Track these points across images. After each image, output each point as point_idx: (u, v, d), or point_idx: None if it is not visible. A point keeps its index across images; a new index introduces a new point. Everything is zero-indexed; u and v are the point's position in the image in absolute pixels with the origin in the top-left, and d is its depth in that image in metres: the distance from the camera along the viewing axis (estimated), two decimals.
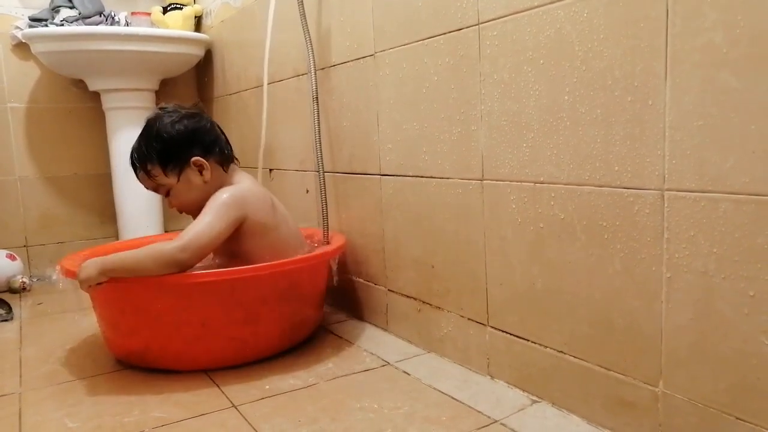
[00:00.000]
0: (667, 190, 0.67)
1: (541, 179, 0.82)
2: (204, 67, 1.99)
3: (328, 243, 1.24)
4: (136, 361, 1.07)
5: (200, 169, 1.11)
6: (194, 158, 1.10)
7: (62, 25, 1.81)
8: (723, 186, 0.62)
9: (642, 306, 0.71)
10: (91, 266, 0.97)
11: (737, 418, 0.63)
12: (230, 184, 1.12)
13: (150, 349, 1.04)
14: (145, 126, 1.14)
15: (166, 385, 0.99)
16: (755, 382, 0.61)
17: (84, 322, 1.33)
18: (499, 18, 0.86)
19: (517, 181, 0.86)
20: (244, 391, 0.96)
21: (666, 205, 0.67)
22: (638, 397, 0.73)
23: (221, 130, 1.18)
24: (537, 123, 0.82)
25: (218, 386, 0.98)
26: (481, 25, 0.89)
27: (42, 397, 0.98)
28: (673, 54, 0.65)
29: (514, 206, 0.87)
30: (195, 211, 1.09)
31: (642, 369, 0.73)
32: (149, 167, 1.11)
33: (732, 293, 0.62)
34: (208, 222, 1.02)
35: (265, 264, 1.04)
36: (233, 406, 0.91)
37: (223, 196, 1.06)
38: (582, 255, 0.78)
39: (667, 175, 0.67)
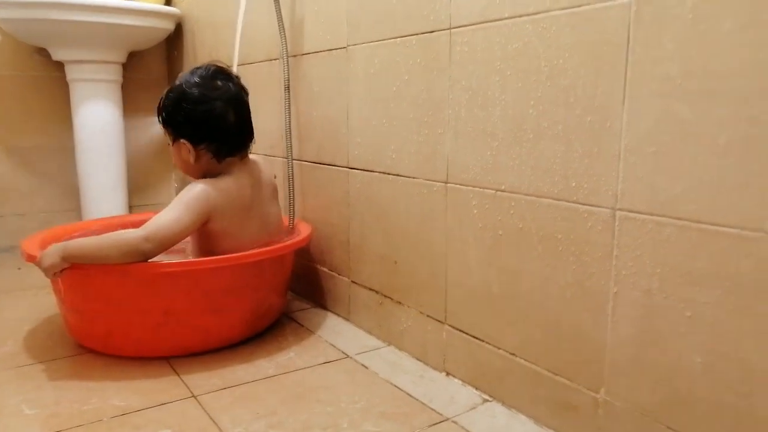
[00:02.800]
0: (619, 209, 0.70)
1: (503, 187, 0.85)
2: (174, 41, 1.95)
3: (292, 230, 1.25)
4: (97, 346, 1.07)
5: (188, 149, 1.10)
6: (182, 139, 1.09)
7: None
8: (670, 211, 0.65)
9: (590, 317, 0.75)
10: (53, 253, 0.97)
11: (668, 427, 0.68)
12: (217, 175, 1.10)
13: (111, 335, 1.05)
14: (180, 76, 1.12)
15: (127, 372, 1.00)
16: (686, 396, 0.65)
17: (45, 300, 1.32)
18: (470, 25, 0.87)
19: (480, 187, 0.88)
20: (204, 380, 0.97)
21: (617, 224, 0.70)
22: (581, 402, 0.77)
23: (243, 116, 1.12)
24: (501, 132, 0.84)
25: (179, 375, 0.99)
26: (452, 30, 0.90)
27: (0, 381, 0.98)
28: (632, 80, 0.67)
29: (475, 211, 0.90)
30: (186, 175, 1.14)
31: (586, 376, 0.76)
32: (158, 115, 1.12)
33: (671, 312, 0.66)
34: (175, 215, 1.01)
35: (229, 255, 1.04)
36: (193, 395, 0.92)
37: (195, 189, 1.04)
38: (537, 264, 0.81)
39: (619, 196, 0.70)
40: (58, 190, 1.94)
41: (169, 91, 1.12)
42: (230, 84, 1.11)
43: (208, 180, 1.08)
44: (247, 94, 1.15)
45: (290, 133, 1.25)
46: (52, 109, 1.89)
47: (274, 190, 1.23)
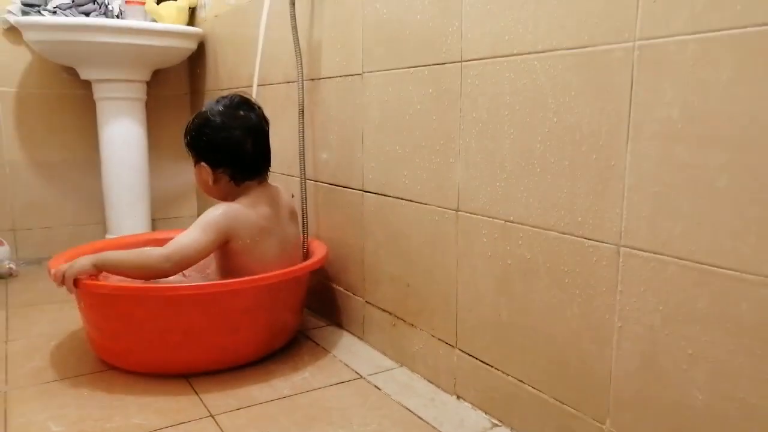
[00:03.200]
0: (623, 246, 0.72)
1: (511, 218, 0.87)
2: (197, 59, 2.00)
3: (306, 251, 1.29)
4: (119, 363, 1.11)
5: (207, 171, 1.16)
6: (202, 162, 1.17)
7: (55, 12, 1.81)
8: (671, 250, 0.66)
9: (595, 349, 0.77)
10: (86, 260, 1.04)
11: None
12: (235, 198, 1.16)
13: (132, 354, 1.09)
14: (206, 103, 1.19)
15: (148, 390, 1.03)
16: (688, 431, 0.67)
17: (70, 314, 1.36)
18: (480, 59, 0.89)
19: (489, 217, 0.91)
20: (221, 399, 1.01)
21: (621, 260, 0.72)
22: (587, 431, 0.79)
23: (260, 145, 1.17)
24: (510, 164, 0.86)
25: (197, 393, 1.03)
26: (463, 63, 0.92)
27: (27, 396, 1.02)
28: (635, 121, 0.68)
29: (485, 240, 0.92)
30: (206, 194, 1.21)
31: (592, 407, 0.78)
32: (184, 137, 1.19)
33: (673, 349, 0.67)
34: (195, 237, 1.06)
35: (247, 278, 1.08)
36: (211, 415, 0.96)
37: (215, 213, 1.10)
38: (544, 295, 0.83)
39: (623, 233, 0.71)
40: (83, 204, 2.00)
41: (194, 117, 1.19)
42: (252, 114, 1.17)
43: (228, 204, 1.13)
44: (267, 123, 1.21)
45: (304, 156, 1.29)
46: (79, 125, 1.95)
47: (293, 212, 1.27)
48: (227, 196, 1.17)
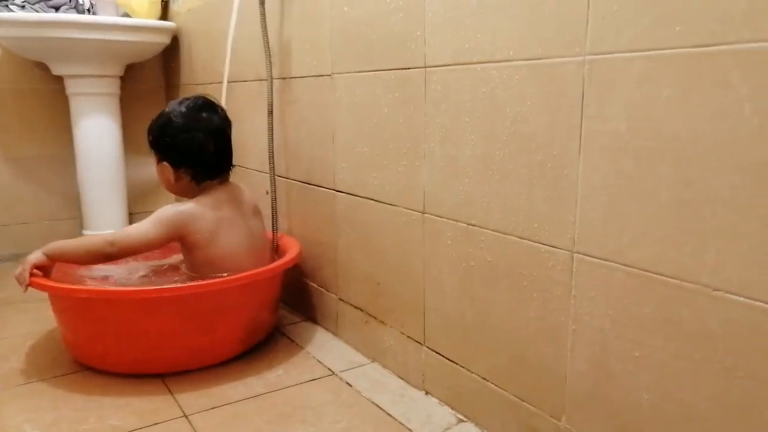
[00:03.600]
0: (576, 252, 0.74)
1: (473, 222, 0.89)
2: (171, 52, 1.99)
3: (277, 247, 1.31)
4: (94, 364, 1.13)
5: (169, 171, 1.19)
6: (164, 161, 1.20)
7: (23, 6, 1.79)
8: (619, 258, 0.69)
9: (551, 350, 0.80)
10: (37, 252, 1.11)
11: None
12: (195, 195, 1.19)
13: (108, 355, 1.11)
14: (170, 104, 1.21)
15: (123, 391, 1.05)
16: (636, 429, 0.70)
17: (46, 313, 1.36)
18: (443, 66, 0.91)
19: (453, 220, 0.93)
20: (196, 399, 1.03)
21: (574, 266, 0.75)
22: (545, 427, 0.82)
23: (222, 147, 1.20)
24: (472, 170, 0.88)
25: (172, 394, 1.05)
26: (427, 69, 0.94)
27: (3, 399, 1.04)
28: (587, 133, 0.71)
29: (449, 242, 0.94)
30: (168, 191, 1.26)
31: (549, 404, 0.81)
32: (147, 136, 1.22)
33: (621, 351, 0.71)
34: (144, 229, 1.12)
35: (219, 279, 1.10)
36: (184, 415, 0.98)
37: (169, 211, 1.14)
38: (504, 297, 0.86)
39: (576, 239, 0.74)
40: (60, 199, 1.99)
41: (157, 117, 1.21)
42: (214, 117, 1.20)
43: (184, 203, 1.17)
44: (230, 125, 1.24)
45: (273, 156, 1.31)
46: (53, 120, 1.94)
47: (256, 209, 1.29)
48: (187, 194, 1.22)
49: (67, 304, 1.12)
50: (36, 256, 1.10)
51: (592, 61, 0.69)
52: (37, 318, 1.38)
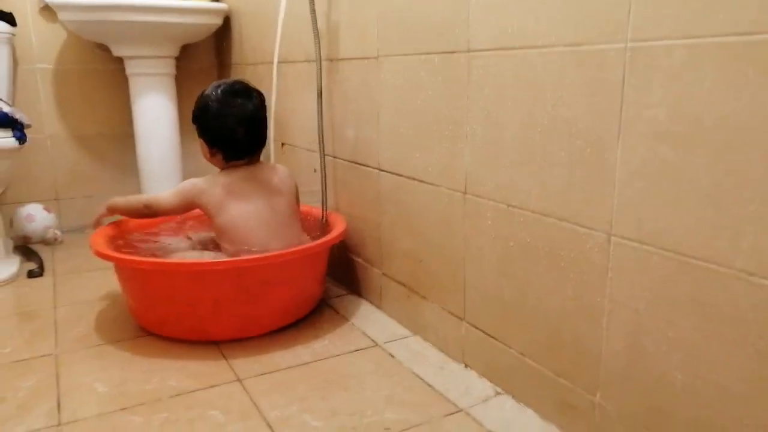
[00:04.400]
0: (613, 235, 0.76)
1: (514, 203, 0.92)
2: (223, 33, 2.05)
3: (326, 223, 1.37)
4: (155, 330, 1.22)
5: (206, 147, 1.31)
6: (201, 138, 1.31)
7: None
8: (655, 241, 0.71)
9: (587, 329, 0.82)
10: (102, 204, 1.35)
11: None
12: (219, 171, 1.31)
13: (167, 322, 1.19)
14: (211, 85, 1.31)
15: (182, 355, 1.14)
16: (669, 407, 0.73)
17: (111, 281, 1.47)
18: (486, 50, 0.92)
19: (494, 201, 0.96)
20: (248, 365, 1.10)
21: (611, 248, 0.77)
22: (580, 402, 0.85)
23: (252, 133, 1.28)
24: (513, 152, 0.90)
25: (226, 359, 1.12)
26: (470, 53, 0.96)
27: (75, 359, 1.13)
28: (626, 119, 0.72)
29: (490, 222, 0.97)
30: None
31: (584, 380, 0.84)
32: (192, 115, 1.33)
33: (656, 332, 0.73)
34: (167, 196, 1.29)
35: (269, 254, 1.16)
36: (238, 379, 1.05)
37: (186, 184, 1.29)
38: (542, 276, 0.88)
39: (614, 222, 0.76)
40: (120, 174, 2.10)
41: (199, 98, 1.31)
42: (249, 103, 1.27)
43: (203, 177, 1.30)
44: (264, 109, 1.31)
45: (323, 137, 1.36)
46: (114, 100, 2.04)
47: (282, 187, 1.31)
48: (220, 167, 1.32)
49: (130, 275, 1.20)
50: (101, 208, 1.34)
51: (634, 49, 0.70)
52: (102, 286, 1.49)
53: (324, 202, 1.39)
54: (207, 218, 1.31)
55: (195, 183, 1.28)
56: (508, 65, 0.88)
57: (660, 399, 0.74)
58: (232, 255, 1.23)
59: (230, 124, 1.25)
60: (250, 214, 1.25)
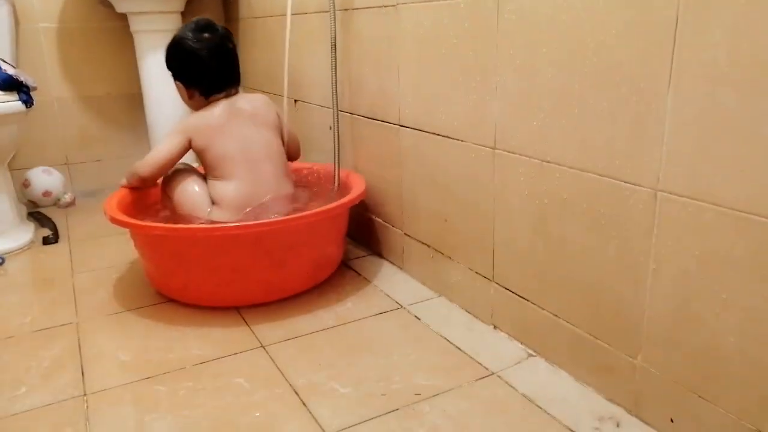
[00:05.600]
0: (660, 191, 0.71)
1: (548, 159, 0.86)
2: None
3: (338, 186, 1.33)
4: (175, 296, 1.19)
5: (183, 88, 1.30)
6: (177, 81, 1.31)
7: None
8: (710, 197, 0.66)
9: (629, 290, 0.78)
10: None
11: (700, 397, 0.72)
12: (202, 109, 1.28)
13: (187, 289, 1.16)
14: (179, 28, 1.33)
15: (203, 322, 1.11)
16: (719, 371, 0.69)
17: (127, 246, 1.44)
18: None
19: (527, 156, 0.90)
20: (271, 330, 1.08)
21: (658, 205, 0.72)
22: (619, 365, 0.82)
23: (224, 63, 1.28)
24: (548, 104, 0.84)
25: (248, 325, 1.10)
26: None
27: (96, 327, 1.11)
28: (679, 64, 0.66)
29: (522, 179, 0.92)
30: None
31: (624, 342, 0.81)
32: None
33: (707, 293, 0.68)
34: (160, 148, 1.27)
35: (288, 217, 1.12)
36: (262, 346, 1.03)
37: (179, 123, 1.29)
38: (580, 235, 0.84)
39: (661, 177, 0.71)
40: (130, 136, 2.06)
41: (169, 43, 1.30)
42: (215, 35, 1.28)
43: (191, 114, 1.30)
44: (231, 41, 1.31)
45: (336, 91, 1.30)
46: (120, 59, 1.97)
47: (267, 119, 1.31)
48: (200, 108, 1.30)
49: (146, 240, 1.17)
50: (124, 178, 1.33)
51: None
52: (118, 251, 1.46)
53: (337, 160, 1.34)
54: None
55: (185, 119, 1.30)
56: (543, 8, 0.81)
57: (710, 362, 0.70)
58: (221, 195, 1.22)
59: (202, 58, 1.26)
60: (233, 148, 1.24)
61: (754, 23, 0.58)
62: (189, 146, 1.26)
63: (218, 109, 1.27)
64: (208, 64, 1.26)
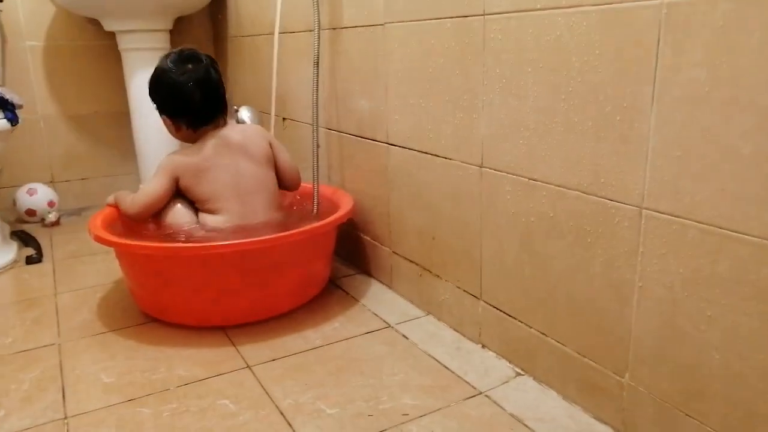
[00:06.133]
0: (645, 208, 0.72)
1: (535, 176, 0.87)
2: (218, 4, 1.97)
3: (317, 208, 1.33)
4: (160, 316, 1.18)
5: (169, 122, 1.27)
6: (162, 114, 1.27)
7: None
8: (693, 215, 0.66)
9: (616, 307, 0.78)
10: (111, 195, 1.31)
11: (687, 415, 0.71)
12: (195, 142, 1.26)
13: (172, 308, 1.15)
14: (160, 58, 1.26)
15: (188, 342, 1.10)
16: (705, 388, 0.69)
17: (112, 265, 1.43)
18: (503, 12, 0.86)
19: (513, 174, 0.91)
20: (257, 350, 1.06)
21: (643, 222, 0.72)
22: (607, 383, 0.82)
23: (209, 95, 1.23)
24: (533, 123, 0.85)
25: (234, 345, 1.09)
26: (486, 17, 0.90)
27: (78, 348, 1.09)
28: (661, 83, 0.67)
29: (509, 197, 0.92)
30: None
31: (612, 360, 0.80)
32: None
33: (692, 310, 0.68)
34: (147, 191, 1.22)
35: (272, 236, 1.11)
36: (248, 366, 1.01)
37: (164, 160, 1.24)
38: (566, 252, 0.84)
39: (646, 195, 0.71)
40: (117, 154, 2.05)
41: (152, 75, 1.26)
42: (199, 67, 1.23)
43: (177, 150, 1.28)
44: (216, 71, 1.27)
45: (317, 107, 1.31)
46: (107, 77, 1.97)
47: (259, 150, 1.27)
48: (190, 141, 1.27)
49: (132, 259, 1.16)
50: (110, 199, 1.30)
51: (671, 5, 0.64)
52: (103, 270, 1.44)
53: (316, 178, 1.34)
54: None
55: (171, 156, 1.25)
56: (528, 29, 0.82)
57: (695, 379, 0.70)
58: (211, 229, 1.21)
59: (186, 90, 1.21)
60: (224, 184, 1.22)
61: (731, 44, 0.59)
62: (177, 185, 1.22)
63: (206, 144, 1.23)
64: (192, 97, 1.22)
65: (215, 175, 1.22)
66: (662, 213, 0.70)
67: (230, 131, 1.27)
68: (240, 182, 1.23)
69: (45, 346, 1.11)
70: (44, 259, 1.56)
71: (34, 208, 1.84)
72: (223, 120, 1.28)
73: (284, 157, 1.33)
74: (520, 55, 0.85)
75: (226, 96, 1.29)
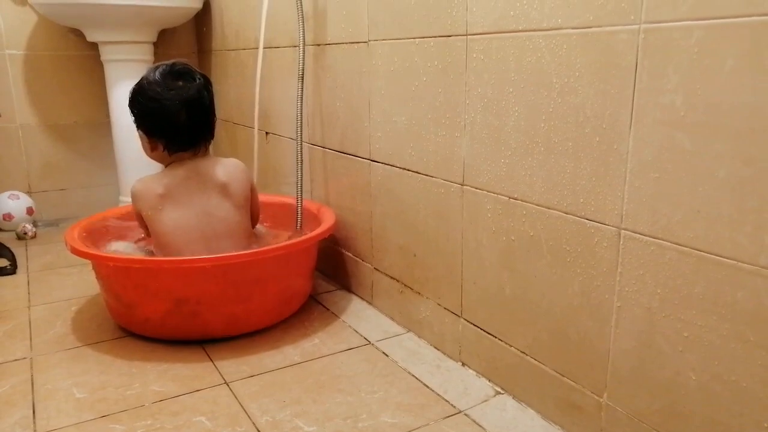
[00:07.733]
0: (624, 229, 0.72)
1: (515, 195, 0.87)
2: (203, 17, 1.97)
3: (300, 223, 1.33)
4: (136, 330, 1.16)
5: (145, 139, 1.17)
6: (139, 129, 1.17)
7: None
8: (670, 236, 0.67)
9: (594, 327, 0.79)
10: None
11: None
12: (168, 165, 1.18)
13: (149, 322, 1.13)
14: (147, 68, 1.16)
15: (165, 357, 1.08)
16: (682, 408, 0.69)
17: (88, 278, 1.41)
18: (485, 33, 0.88)
19: (494, 193, 0.91)
20: (235, 366, 1.05)
21: (621, 243, 0.73)
22: (586, 403, 0.82)
23: (196, 118, 1.13)
24: (514, 142, 0.86)
25: (212, 361, 1.07)
26: (468, 37, 0.91)
27: (51, 363, 1.07)
28: (639, 106, 0.68)
29: (489, 215, 0.93)
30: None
31: (590, 380, 0.81)
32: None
33: (670, 331, 0.69)
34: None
35: (252, 251, 1.10)
36: (225, 382, 1.00)
37: (134, 183, 1.16)
38: (546, 271, 0.84)
39: (624, 216, 0.72)
40: (96, 165, 2.02)
41: (135, 84, 1.15)
42: (190, 85, 1.12)
43: (148, 176, 1.17)
44: (210, 94, 1.16)
45: (302, 122, 1.30)
46: (89, 87, 1.95)
47: (235, 190, 1.19)
48: (164, 163, 1.18)
49: (108, 272, 1.14)
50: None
51: (648, 30, 0.66)
52: (79, 283, 1.42)
53: (299, 195, 1.33)
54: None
55: (133, 187, 1.15)
56: (510, 50, 0.84)
57: (672, 400, 0.70)
58: None
59: (170, 108, 1.09)
60: (190, 220, 1.13)
61: (706, 70, 0.61)
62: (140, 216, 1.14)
63: (175, 172, 1.13)
64: (177, 118, 1.10)
65: (179, 209, 1.11)
66: (640, 234, 0.70)
67: (210, 163, 1.17)
68: (209, 223, 1.14)
69: (16, 360, 1.08)
70: (18, 270, 1.53)
71: (12, 213, 1.81)
72: (205, 149, 1.18)
73: (257, 201, 1.25)
74: (502, 76, 0.86)
75: (215, 122, 1.20)
